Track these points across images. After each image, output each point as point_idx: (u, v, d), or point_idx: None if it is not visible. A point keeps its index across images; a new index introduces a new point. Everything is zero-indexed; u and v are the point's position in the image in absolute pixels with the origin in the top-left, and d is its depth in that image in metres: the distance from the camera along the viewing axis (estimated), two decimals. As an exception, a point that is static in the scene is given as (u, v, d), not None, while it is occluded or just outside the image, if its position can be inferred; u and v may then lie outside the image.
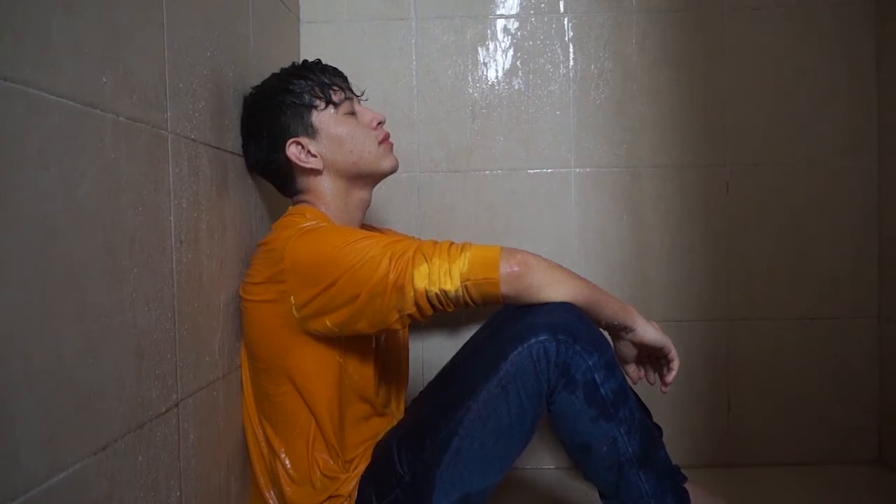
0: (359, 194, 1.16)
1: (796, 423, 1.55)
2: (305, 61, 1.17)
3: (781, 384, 1.55)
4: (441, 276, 0.93)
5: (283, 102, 1.11)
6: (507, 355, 0.94)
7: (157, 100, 0.84)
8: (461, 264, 0.94)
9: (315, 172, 1.12)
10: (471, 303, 0.96)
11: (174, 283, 0.88)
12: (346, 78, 1.19)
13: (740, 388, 1.56)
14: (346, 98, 1.15)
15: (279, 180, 1.15)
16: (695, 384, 1.56)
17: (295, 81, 1.12)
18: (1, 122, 0.57)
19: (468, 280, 0.94)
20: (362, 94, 1.21)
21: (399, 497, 1.00)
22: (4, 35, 0.58)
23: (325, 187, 1.13)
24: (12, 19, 0.58)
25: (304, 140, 1.11)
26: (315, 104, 1.12)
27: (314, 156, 1.11)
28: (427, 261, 0.94)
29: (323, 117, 1.12)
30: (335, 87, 1.14)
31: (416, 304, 0.95)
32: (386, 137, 1.17)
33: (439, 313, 0.99)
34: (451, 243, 0.98)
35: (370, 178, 1.17)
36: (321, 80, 1.13)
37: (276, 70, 1.17)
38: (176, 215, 0.89)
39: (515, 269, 0.95)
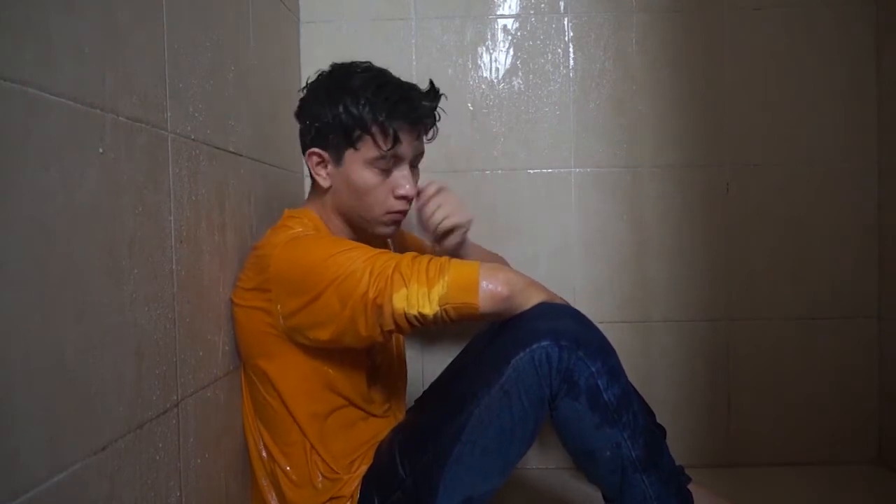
0: (350, 231, 1.14)
1: (796, 423, 1.55)
2: (399, 82, 1.08)
3: (781, 384, 1.55)
4: (419, 300, 0.92)
5: (337, 110, 1.04)
6: (509, 360, 0.94)
7: (157, 100, 0.84)
8: (440, 288, 0.93)
9: (321, 188, 1.11)
10: (451, 322, 0.96)
11: (174, 283, 0.88)
12: (427, 130, 1.10)
13: (740, 388, 1.56)
14: (393, 156, 1.06)
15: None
16: (695, 384, 1.56)
17: (366, 108, 1.03)
18: (1, 122, 0.57)
19: (447, 304, 0.93)
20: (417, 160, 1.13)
21: (400, 499, 1.00)
22: (4, 35, 0.57)
23: (327, 202, 1.12)
24: (12, 19, 0.58)
25: (327, 157, 1.08)
26: (356, 142, 1.05)
27: (326, 175, 1.09)
28: (406, 284, 0.93)
29: (353, 158, 1.06)
30: (396, 139, 1.04)
31: (395, 323, 0.94)
32: (398, 214, 1.10)
33: (420, 330, 0.98)
34: (430, 261, 0.95)
35: (362, 229, 1.13)
36: (385, 121, 1.03)
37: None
38: (176, 215, 0.89)
39: (496, 290, 0.94)
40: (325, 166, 1.10)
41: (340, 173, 1.08)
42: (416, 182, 1.12)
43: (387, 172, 1.08)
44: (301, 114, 1.13)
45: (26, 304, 0.59)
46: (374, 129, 1.04)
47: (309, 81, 1.13)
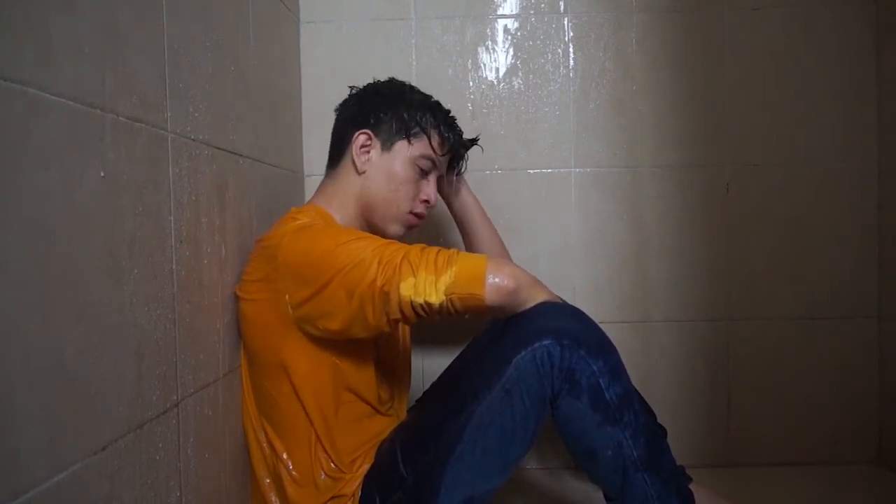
0: (362, 225, 1.17)
1: (796, 423, 1.55)
2: (454, 117, 1.21)
3: (781, 384, 1.55)
4: (426, 289, 0.93)
5: (400, 107, 1.15)
6: (511, 359, 0.94)
7: (157, 100, 0.84)
8: (447, 278, 0.93)
9: (356, 169, 1.15)
10: (455, 314, 0.96)
11: (174, 283, 0.88)
12: (460, 159, 1.25)
13: (740, 388, 1.56)
14: (435, 162, 1.17)
15: (337, 140, 1.19)
16: (695, 384, 1.56)
17: (428, 114, 1.16)
18: (1, 122, 0.57)
19: (453, 294, 0.93)
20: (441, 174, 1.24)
21: (402, 498, 1.00)
22: (4, 35, 0.57)
23: (350, 189, 1.15)
24: (12, 19, 0.58)
25: (375, 143, 1.14)
26: (413, 136, 1.14)
27: (366, 159, 1.14)
28: (413, 273, 0.93)
29: (403, 149, 1.14)
30: (449, 149, 1.18)
31: (401, 311, 0.94)
32: (415, 218, 1.17)
33: (425, 321, 0.98)
34: (439, 252, 0.96)
35: (371, 221, 1.17)
36: (443, 131, 1.16)
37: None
38: (176, 215, 0.89)
39: (502, 283, 0.94)
40: (368, 151, 1.15)
41: (383, 160, 1.14)
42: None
43: (423, 175, 1.17)
44: (352, 102, 1.20)
45: (26, 304, 0.59)
46: (433, 133, 1.16)
47: (361, 85, 1.23)
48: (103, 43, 0.72)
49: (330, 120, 1.23)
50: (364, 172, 1.14)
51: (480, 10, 1.56)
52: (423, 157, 1.15)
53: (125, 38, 0.77)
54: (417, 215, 1.17)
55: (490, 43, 1.56)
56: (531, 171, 1.56)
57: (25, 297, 0.59)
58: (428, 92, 1.22)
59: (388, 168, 1.14)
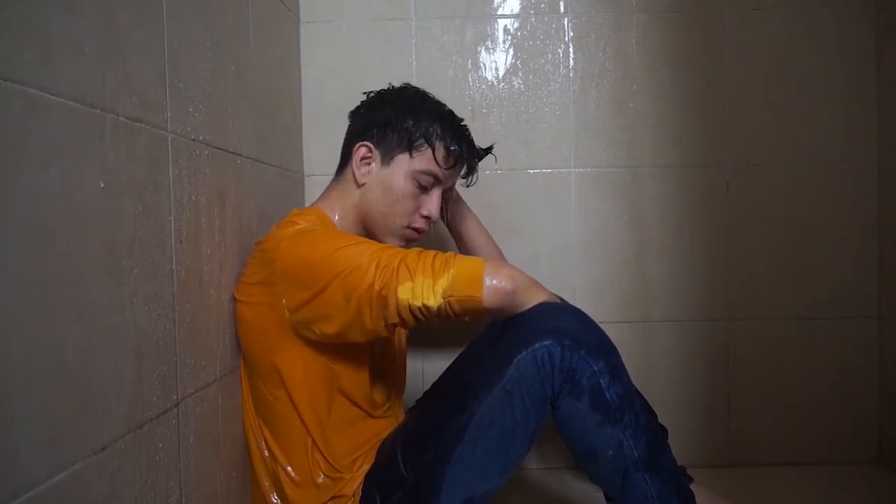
0: (361, 232, 1.17)
1: (796, 423, 1.56)
2: (466, 128, 1.17)
3: (781, 384, 1.55)
4: (424, 292, 0.93)
5: (407, 118, 1.12)
6: (511, 360, 0.94)
7: (157, 100, 0.84)
8: (444, 281, 0.93)
9: (356, 181, 1.14)
10: (454, 316, 0.96)
11: (174, 283, 0.88)
12: (471, 172, 1.20)
13: (740, 388, 1.56)
14: (438, 177, 1.13)
15: (344, 148, 1.18)
16: (695, 384, 1.56)
17: (436, 125, 1.12)
18: (1, 122, 0.57)
19: (451, 296, 0.93)
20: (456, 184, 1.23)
21: (402, 498, 1.00)
22: (4, 35, 0.57)
23: (351, 199, 1.14)
24: (12, 19, 0.58)
25: (375, 155, 1.13)
26: (415, 150, 1.11)
27: (366, 171, 1.13)
28: (411, 277, 0.93)
29: (403, 162, 1.12)
30: (453, 163, 1.14)
31: (399, 315, 0.94)
32: (415, 232, 1.16)
33: (423, 324, 0.98)
34: (436, 255, 0.96)
35: (370, 231, 1.16)
36: (451, 144, 1.12)
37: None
38: (176, 215, 0.89)
39: (499, 285, 0.94)
40: (369, 163, 1.13)
41: (382, 173, 1.12)
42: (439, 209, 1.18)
43: (424, 190, 1.14)
44: (362, 110, 1.18)
45: (26, 304, 0.59)
46: (438, 146, 1.12)
47: (376, 90, 1.20)
48: (103, 43, 0.72)
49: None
50: (364, 185, 1.13)
51: (480, 10, 1.56)
52: (425, 172, 1.12)
53: (125, 38, 0.77)
54: (416, 230, 1.16)
55: (490, 43, 1.56)
56: (531, 171, 1.56)
57: (25, 297, 0.59)
58: (428, 92, 1.20)
59: (387, 182, 1.12)
